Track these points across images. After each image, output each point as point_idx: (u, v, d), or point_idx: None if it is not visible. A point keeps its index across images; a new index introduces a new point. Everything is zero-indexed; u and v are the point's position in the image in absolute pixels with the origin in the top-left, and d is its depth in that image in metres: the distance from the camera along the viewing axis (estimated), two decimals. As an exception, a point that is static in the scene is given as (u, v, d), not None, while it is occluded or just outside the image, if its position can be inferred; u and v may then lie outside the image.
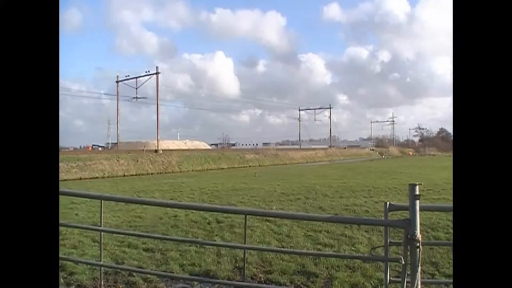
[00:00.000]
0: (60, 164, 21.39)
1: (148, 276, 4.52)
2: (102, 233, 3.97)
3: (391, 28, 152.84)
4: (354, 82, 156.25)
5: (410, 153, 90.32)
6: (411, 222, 2.52)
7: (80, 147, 58.60)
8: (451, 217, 5.97)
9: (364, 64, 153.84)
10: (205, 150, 44.34)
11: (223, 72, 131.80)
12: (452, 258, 3.95)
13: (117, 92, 43.65)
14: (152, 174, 29.98)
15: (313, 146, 75.50)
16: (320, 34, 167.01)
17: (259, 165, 41.41)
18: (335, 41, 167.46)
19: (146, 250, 5.66)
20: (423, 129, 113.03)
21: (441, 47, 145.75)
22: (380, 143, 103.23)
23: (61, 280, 4.32)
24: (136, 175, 28.92)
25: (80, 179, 24.90)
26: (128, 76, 42.37)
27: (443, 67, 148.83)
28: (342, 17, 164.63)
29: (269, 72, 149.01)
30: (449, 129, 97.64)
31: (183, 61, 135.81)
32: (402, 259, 2.54)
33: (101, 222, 3.62)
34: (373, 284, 4.36)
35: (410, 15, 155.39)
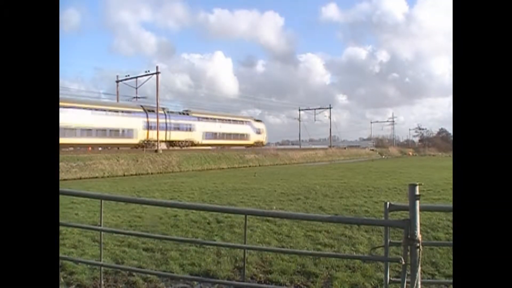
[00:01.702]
0: (60, 163, 21.40)
1: (148, 275, 4.52)
2: (102, 232, 3.97)
3: (389, 28, 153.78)
4: (353, 82, 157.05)
5: (410, 153, 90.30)
6: (411, 222, 2.52)
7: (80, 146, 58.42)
8: (451, 217, 5.97)
9: (363, 64, 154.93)
10: (205, 150, 44.28)
11: (222, 72, 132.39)
12: (452, 258, 3.96)
13: (117, 92, 43.70)
14: (152, 173, 29.98)
15: (313, 146, 75.53)
16: (318, 35, 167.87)
17: (259, 165, 41.39)
18: (334, 41, 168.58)
19: (146, 249, 5.66)
20: (423, 129, 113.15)
21: (439, 47, 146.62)
22: (380, 143, 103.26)
23: (61, 280, 4.32)
24: (136, 174, 28.92)
25: (80, 178, 24.90)
26: (128, 76, 42.46)
27: (441, 67, 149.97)
28: (340, 17, 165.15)
29: (268, 72, 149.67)
30: (449, 129, 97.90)
31: (182, 61, 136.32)
32: (402, 259, 2.54)
33: (101, 222, 3.62)
34: (373, 284, 4.36)
35: (408, 15, 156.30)
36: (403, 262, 2.54)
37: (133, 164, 31.22)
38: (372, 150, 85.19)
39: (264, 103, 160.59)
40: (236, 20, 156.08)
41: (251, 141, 54.78)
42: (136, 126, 39.38)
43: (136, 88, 42.01)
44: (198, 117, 47.20)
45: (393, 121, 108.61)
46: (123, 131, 38.50)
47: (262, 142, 57.98)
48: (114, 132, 37.94)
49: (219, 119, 50.37)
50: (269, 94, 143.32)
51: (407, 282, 2.57)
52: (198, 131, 46.60)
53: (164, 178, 22.46)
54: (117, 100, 42.83)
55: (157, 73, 39.20)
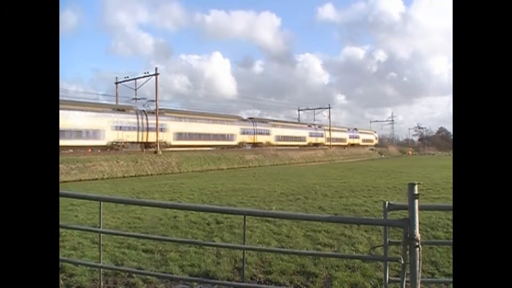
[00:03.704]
0: (60, 165, 21.38)
1: (148, 277, 4.52)
2: (101, 234, 3.96)
3: (386, 28, 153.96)
4: (352, 82, 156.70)
5: (410, 152, 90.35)
6: (410, 222, 2.52)
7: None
8: (450, 216, 5.97)
9: (361, 64, 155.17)
10: (204, 150, 44.34)
11: (221, 73, 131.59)
12: (451, 257, 3.95)
13: (117, 94, 43.66)
14: (151, 175, 29.99)
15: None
16: (315, 35, 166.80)
17: (259, 166, 41.41)
18: (331, 41, 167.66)
19: (145, 251, 5.66)
20: (422, 128, 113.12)
21: (436, 47, 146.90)
22: (380, 142, 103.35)
23: (61, 282, 4.32)
24: (135, 176, 28.92)
25: (80, 180, 24.89)
26: (128, 77, 42.40)
27: (439, 66, 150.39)
28: (337, 17, 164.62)
29: (266, 72, 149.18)
30: (449, 128, 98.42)
31: (179, 62, 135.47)
32: (402, 259, 2.54)
33: (100, 224, 3.62)
34: (372, 283, 4.36)
35: (405, 15, 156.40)
36: (403, 261, 2.54)
37: (133, 165, 31.22)
38: (372, 149, 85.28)
39: (263, 103, 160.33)
40: (232, 21, 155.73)
41: (373, 143, 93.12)
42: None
43: (135, 90, 42.00)
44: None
45: (393, 121, 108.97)
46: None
47: (376, 143, 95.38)
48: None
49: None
50: (268, 94, 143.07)
51: (406, 281, 2.57)
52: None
53: (163, 179, 22.46)
54: (116, 102, 42.78)
55: (156, 74, 39.19)
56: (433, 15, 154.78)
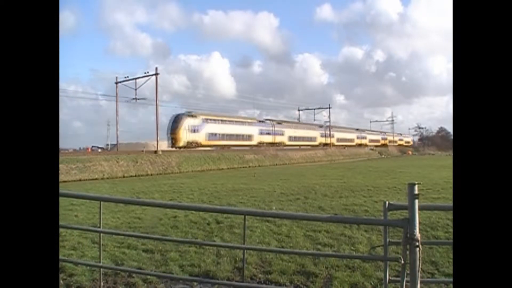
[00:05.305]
0: (60, 165, 21.37)
1: (148, 277, 4.52)
2: (101, 234, 3.96)
3: (384, 28, 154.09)
4: (351, 82, 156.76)
5: (410, 152, 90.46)
6: (410, 222, 2.52)
7: (80, 148, 58.36)
8: (450, 216, 5.96)
9: (360, 64, 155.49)
10: (204, 150, 44.18)
11: (220, 73, 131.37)
12: (451, 257, 3.95)
13: (117, 93, 43.59)
14: (151, 175, 29.99)
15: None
16: (314, 35, 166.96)
17: (259, 165, 41.44)
18: (330, 41, 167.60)
19: (145, 251, 5.66)
20: (422, 128, 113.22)
21: (434, 46, 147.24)
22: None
23: (61, 282, 4.32)
24: (135, 176, 28.93)
25: (80, 180, 24.89)
26: (127, 77, 42.37)
27: (438, 66, 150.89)
28: (335, 17, 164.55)
29: (265, 72, 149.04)
30: (448, 128, 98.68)
31: (178, 62, 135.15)
32: (402, 259, 2.54)
33: (100, 224, 3.62)
34: (372, 283, 4.36)
35: (403, 15, 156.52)
36: (403, 261, 2.54)
37: (133, 165, 31.22)
38: (372, 149, 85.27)
39: (262, 103, 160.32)
40: (230, 21, 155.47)
41: (410, 144, 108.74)
42: None
43: (135, 90, 41.97)
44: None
45: (393, 120, 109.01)
46: None
47: (412, 144, 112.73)
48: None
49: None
50: (267, 95, 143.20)
51: (406, 281, 2.57)
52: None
53: (163, 179, 22.45)
54: (116, 102, 42.75)
55: (156, 74, 39.16)
56: (431, 15, 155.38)
